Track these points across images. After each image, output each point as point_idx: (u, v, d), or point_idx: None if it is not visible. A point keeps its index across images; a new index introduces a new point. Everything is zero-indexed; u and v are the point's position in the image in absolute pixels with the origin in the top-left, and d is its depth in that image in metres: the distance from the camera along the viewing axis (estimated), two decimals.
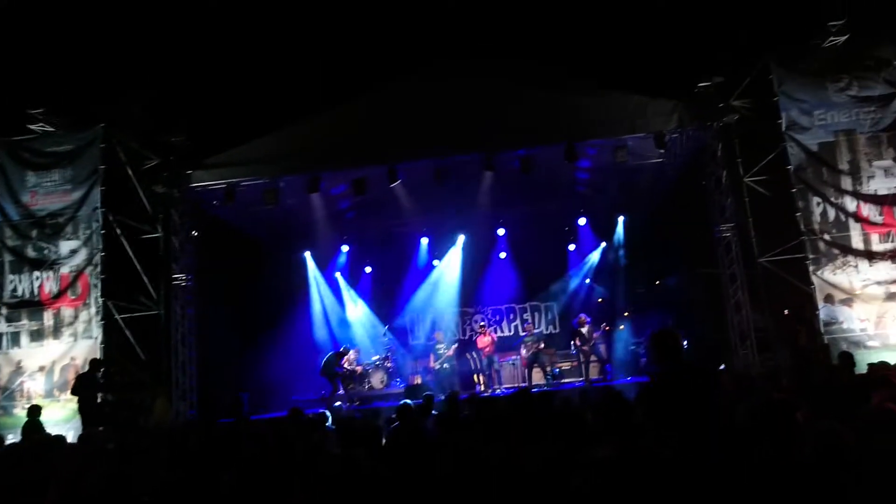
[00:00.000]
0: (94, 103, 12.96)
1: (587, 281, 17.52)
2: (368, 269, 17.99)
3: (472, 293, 17.66)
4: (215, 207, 13.34)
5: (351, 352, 15.11)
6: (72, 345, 11.89)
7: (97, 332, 11.87)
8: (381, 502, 2.93)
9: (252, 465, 4.00)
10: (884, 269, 11.13)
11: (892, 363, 8.02)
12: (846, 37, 11.43)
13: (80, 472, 4.36)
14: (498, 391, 13.71)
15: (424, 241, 17.47)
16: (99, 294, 11.95)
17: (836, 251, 11.27)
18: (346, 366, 14.95)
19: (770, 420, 2.70)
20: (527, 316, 17.47)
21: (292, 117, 12.87)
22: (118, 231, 12.30)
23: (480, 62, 12.54)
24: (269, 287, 16.46)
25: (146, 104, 13.51)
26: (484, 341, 14.35)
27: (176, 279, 12.56)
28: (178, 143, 12.52)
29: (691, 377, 4.02)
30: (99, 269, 12.02)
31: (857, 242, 11.29)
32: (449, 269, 17.51)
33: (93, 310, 11.96)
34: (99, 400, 10.99)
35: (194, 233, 12.98)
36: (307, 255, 17.43)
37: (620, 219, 17.00)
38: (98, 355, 11.52)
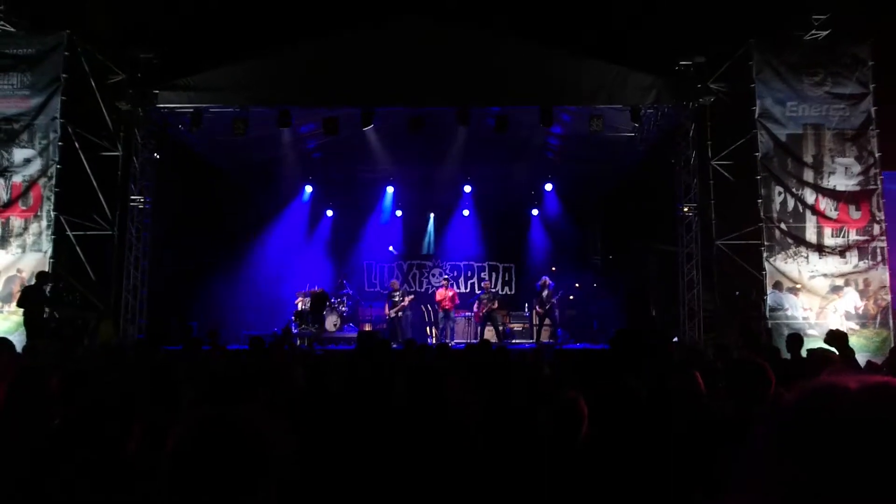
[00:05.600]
0: (60, 8, 12.33)
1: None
2: (330, 213, 17.87)
3: (432, 247, 17.71)
4: (180, 131, 12.95)
5: (310, 292, 15.05)
6: (19, 256, 11.52)
7: (47, 245, 11.51)
8: (347, 431, 2.96)
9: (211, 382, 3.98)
10: (832, 263, 11.53)
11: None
12: (828, 32, 11.60)
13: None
14: (450, 345, 13.87)
15: (390, 189, 17.37)
16: (52, 207, 11.55)
17: (790, 240, 11.60)
18: (298, 305, 14.92)
19: (747, 378, 2.82)
20: (484, 275, 17.63)
21: (267, 47, 12.49)
22: (76, 145, 11.85)
23: (465, 19, 12.36)
24: (228, 219, 16.18)
25: (115, 15, 12.92)
26: (443, 294, 14.44)
27: (133, 201, 12.22)
28: (147, 61, 12.02)
29: (652, 335, 4.20)
30: (54, 181, 11.59)
31: (810, 235, 11.64)
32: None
33: (44, 223, 11.57)
34: (45, 315, 10.72)
35: (156, 155, 12.61)
36: (270, 190, 17.15)
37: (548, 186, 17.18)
38: (47, 269, 11.20)
